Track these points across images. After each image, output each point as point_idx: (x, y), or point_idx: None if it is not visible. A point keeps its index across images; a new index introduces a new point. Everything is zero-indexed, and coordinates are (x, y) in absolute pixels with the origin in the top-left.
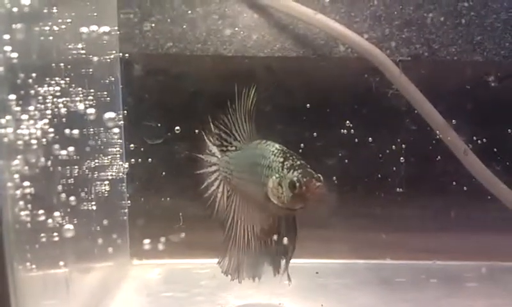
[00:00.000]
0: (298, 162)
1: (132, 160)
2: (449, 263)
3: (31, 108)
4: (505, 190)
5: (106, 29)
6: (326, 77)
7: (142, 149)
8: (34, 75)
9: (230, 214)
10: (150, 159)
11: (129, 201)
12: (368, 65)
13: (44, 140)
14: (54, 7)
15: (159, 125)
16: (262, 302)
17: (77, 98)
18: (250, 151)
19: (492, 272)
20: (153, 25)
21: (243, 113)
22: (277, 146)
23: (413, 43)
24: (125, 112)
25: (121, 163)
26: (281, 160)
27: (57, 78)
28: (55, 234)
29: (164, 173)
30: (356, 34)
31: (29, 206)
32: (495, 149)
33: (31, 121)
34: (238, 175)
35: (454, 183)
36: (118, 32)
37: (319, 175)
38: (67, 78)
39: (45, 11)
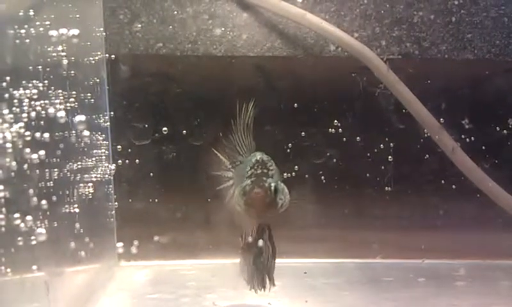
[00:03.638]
0: (259, 171)
1: (119, 161)
2: (438, 261)
3: (6, 111)
4: (494, 187)
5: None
6: (316, 76)
7: (129, 150)
8: (8, 78)
9: None
10: (137, 160)
11: (116, 203)
12: (358, 64)
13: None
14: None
15: (146, 125)
16: (251, 303)
17: (57, 101)
18: (245, 164)
19: (482, 271)
20: (143, 25)
21: (243, 128)
22: (258, 157)
23: (403, 41)
24: (112, 113)
25: (107, 164)
26: (248, 170)
27: (35, 81)
28: (41, 236)
29: (151, 174)
30: (344, 33)
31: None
32: (484, 147)
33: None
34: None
35: (443, 181)
36: (104, 34)
37: (271, 184)
38: (46, 81)
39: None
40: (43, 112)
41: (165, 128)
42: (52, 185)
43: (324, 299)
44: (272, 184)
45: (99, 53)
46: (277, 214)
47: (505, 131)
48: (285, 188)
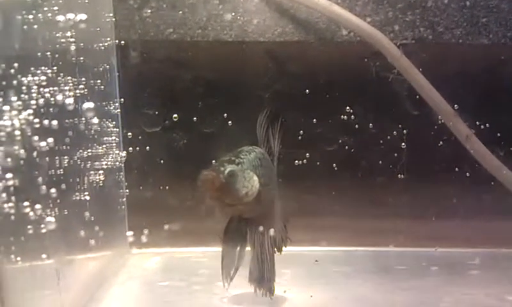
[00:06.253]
0: (226, 158)
1: (130, 148)
2: (451, 250)
3: (14, 98)
4: (508, 175)
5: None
6: (328, 61)
7: (140, 137)
8: (16, 65)
9: None
10: (147, 147)
11: (127, 190)
12: (370, 50)
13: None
14: None
15: (157, 112)
16: None
17: (67, 87)
18: None
19: (495, 259)
20: (153, 11)
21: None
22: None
23: (417, 26)
24: (122, 100)
25: (118, 152)
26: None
27: (43, 67)
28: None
29: (162, 161)
30: (356, 17)
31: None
32: (499, 134)
33: (14, 112)
34: None
35: (457, 168)
36: (114, 19)
37: (226, 169)
38: (54, 67)
39: None
40: (52, 99)
41: (175, 115)
42: (62, 172)
43: (335, 287)
44: (228, 168)
45: (109, 39)
46: (241, 202)
47: None
48: (254, 176)
